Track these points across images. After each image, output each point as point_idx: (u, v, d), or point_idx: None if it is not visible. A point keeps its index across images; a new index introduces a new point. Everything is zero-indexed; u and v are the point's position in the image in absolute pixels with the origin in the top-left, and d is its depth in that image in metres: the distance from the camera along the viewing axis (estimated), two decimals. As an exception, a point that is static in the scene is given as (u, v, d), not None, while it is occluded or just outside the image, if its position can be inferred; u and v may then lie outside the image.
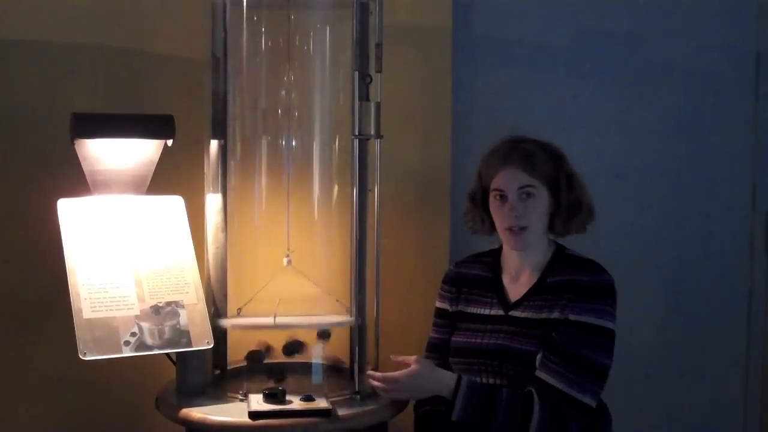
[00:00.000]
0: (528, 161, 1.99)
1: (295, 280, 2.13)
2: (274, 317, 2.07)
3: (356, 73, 2.05)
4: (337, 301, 2.15)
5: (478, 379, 1.99)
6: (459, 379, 1.93)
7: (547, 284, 2.02)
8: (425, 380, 1.95)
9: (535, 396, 1.89)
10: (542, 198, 2.01)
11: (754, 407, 2.90)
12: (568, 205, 2.02)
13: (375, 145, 2.09)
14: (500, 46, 2.66)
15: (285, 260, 2.14)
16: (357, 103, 2.05)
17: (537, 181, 1.99)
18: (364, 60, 2.07)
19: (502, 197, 2.01)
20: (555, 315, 1.96)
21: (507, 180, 2.00)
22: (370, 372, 2.04)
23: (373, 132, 2.07)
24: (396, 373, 1.96)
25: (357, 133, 2.06)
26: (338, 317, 2.13)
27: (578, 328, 1.92)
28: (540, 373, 1.92)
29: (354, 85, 2.06)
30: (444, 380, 1.94)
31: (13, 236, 2.29)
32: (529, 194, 1.99)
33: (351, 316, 2.12)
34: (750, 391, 2.90)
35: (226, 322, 2.14)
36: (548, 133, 2.08)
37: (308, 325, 2.12)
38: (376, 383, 1.97)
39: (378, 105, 2.06)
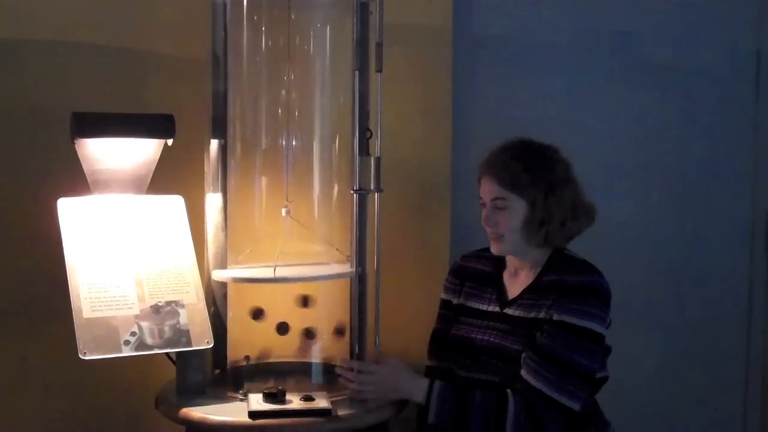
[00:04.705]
0: (501, 174, 1.99)
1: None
2: (274, 268, 2.06)
3: (356, 73, 2.05)
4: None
5: (468, 375, 2.01)
6: (432, 383, 1.95)
7: (542, 283, 2.02)
8: (399, 380, 1.98)
9: (510, 396, 1.89)
10: (516, 210, 1.99)
11: (754, 407, 2.90)
12: (542, 218, 1.99)
13: (375, 144, 2.08)
14: (500, 46, 2.66)
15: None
16: (357, 158, 2.04)
17: (511, 194, 1.98)
18: (364, 59, 2.06)
19: (483, 204, 2.04)
20: (542, 315, 1.96)
21: (484, 190, 2.03)
22: (344, 361, 2.05)
23: (372, 186, 2.05)
24: (374, 365, 2.00)
25: (357, 188, 2.05)
26: (339, 268, 2.13)
27: (561, 328, 1.92)
28: (523, 373, 1.92)
29: (354, 85, 2.05)
30: (417, 384, 1.97)
31: (12, 235, 2.28)
32: (500, 207, 2.00)
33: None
34: (750, 391, 2.90)
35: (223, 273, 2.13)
36: (547, 132, 2.08)
37: (309, 278, 2.10)
38: (347, 374, 1.99)
39: (378, 160, 2.04)
